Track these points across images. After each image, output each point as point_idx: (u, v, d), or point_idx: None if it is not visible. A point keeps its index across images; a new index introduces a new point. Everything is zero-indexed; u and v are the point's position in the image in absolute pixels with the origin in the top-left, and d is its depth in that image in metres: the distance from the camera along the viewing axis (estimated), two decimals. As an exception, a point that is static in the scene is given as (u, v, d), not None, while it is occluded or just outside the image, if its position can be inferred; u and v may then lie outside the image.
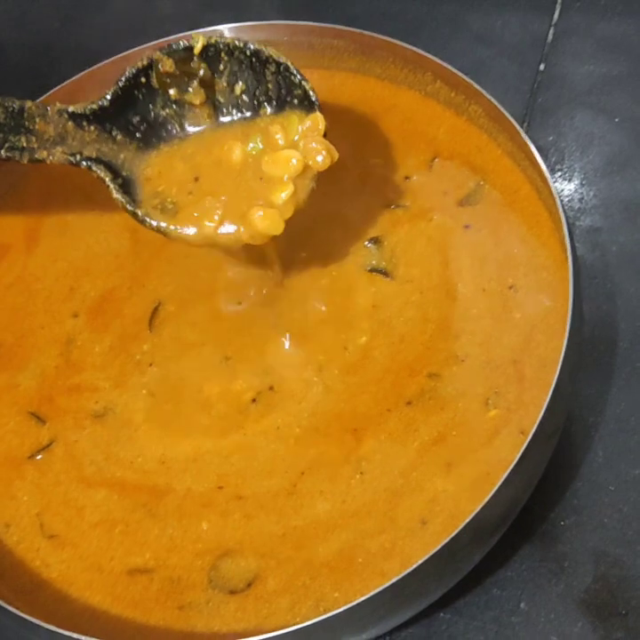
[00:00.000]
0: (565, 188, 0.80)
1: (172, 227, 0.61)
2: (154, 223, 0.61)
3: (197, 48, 0.62)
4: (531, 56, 0.89)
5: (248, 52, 0.62)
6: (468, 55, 0.85)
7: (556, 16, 0.91)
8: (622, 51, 0.88)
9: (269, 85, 0.63)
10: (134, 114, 0.64)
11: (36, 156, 0.62)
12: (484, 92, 0.66)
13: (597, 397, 0.70)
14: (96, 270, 0.70)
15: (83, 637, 0.51)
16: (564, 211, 0.60)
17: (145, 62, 0.62)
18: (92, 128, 0.63)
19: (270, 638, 0.50)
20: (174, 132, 0.65)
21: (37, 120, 0.61)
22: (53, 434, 0.63)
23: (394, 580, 0.50)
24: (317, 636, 0.52)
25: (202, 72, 0.63)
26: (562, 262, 0.62)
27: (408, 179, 0.69)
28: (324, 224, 0.68)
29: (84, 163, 0.62)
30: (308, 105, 0.62)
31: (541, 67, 0.88)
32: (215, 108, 0.64)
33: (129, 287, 0.69)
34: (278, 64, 0.62)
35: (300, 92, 0.62)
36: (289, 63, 0.62)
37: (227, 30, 0.74)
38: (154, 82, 0.63)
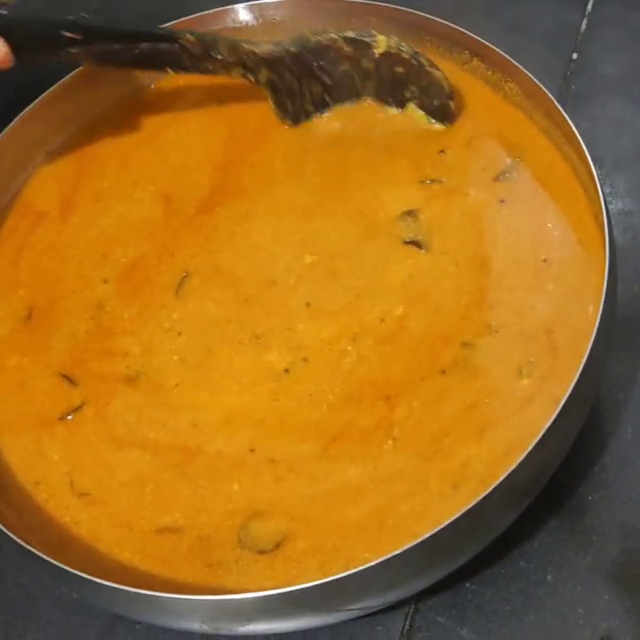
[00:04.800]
0: (596, 172, 0.80)
1: None
2: None
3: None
4: (564, 45, 0.90)
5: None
6: (502, 43, 0.85)
7: (589, 6, 0.92)
8: (654, 41, 0.89)
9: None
10: None
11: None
12: (521, 67, 0.67)
13: (627, 376, 0.70)
14: (127, 238, 0.70)
15: (112, 585, 0.52)
16: (602, 186, 0.61)
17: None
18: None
19: (297, 590, 0.50)
20: None
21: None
22: (85, 396, 0.63)
23: (425, 536, 0.50)
24: (347, 590, 0.52)
25: None
26: (595, 238, 0.62)
27: (443, 152, 0.70)
28: (362, 198, 0.69)
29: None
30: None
31: (574, 55, 0.89)
32: None
33: (159, 255, 0.69)
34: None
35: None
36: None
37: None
38: None
